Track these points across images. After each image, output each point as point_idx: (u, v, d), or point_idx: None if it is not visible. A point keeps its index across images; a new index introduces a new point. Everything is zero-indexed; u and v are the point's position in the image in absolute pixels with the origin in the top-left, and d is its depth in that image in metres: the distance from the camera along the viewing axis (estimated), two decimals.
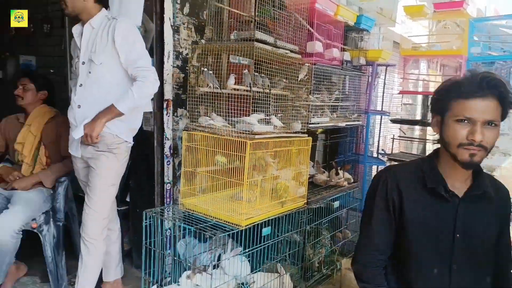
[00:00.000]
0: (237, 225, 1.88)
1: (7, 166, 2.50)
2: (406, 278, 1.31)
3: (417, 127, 6.02)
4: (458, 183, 1.27)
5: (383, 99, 3.59)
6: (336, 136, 3.33)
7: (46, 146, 2.52)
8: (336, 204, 2.76)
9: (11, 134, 2.55)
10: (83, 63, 1.96)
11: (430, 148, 5.83)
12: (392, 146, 3.85)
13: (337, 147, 3.52)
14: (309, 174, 2.49)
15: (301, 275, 2.52)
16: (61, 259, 2.40)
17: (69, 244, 2.60)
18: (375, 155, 3.69)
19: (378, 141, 3.74)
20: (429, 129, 5.55)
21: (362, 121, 3.23)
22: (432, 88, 5.36)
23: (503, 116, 1.20)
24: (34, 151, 2.50)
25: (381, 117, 3.70)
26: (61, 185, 2.42)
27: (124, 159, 2.07)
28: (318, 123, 2.64)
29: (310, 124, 2.47)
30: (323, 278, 2.66)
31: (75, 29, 2.02)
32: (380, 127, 3.74)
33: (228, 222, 1.92)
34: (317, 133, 3.35)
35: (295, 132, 2.29)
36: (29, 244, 2.30)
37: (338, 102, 2.96)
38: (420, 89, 5.57)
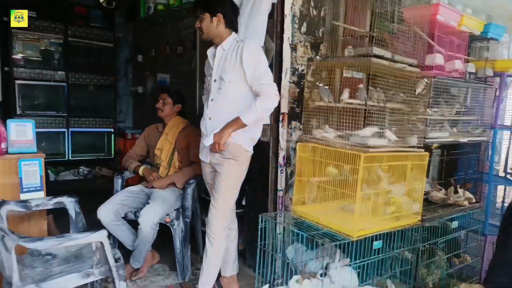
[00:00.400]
0: (348, 235, 1.94)
1: (148, 168, 2.96)
2: None
3: None
4: None
5: None
6: (455, 152, 3.12)
7: (179, 152, 2.91)
8: (454, 224, 2.58)
9: (152, 141, 3.02)
10: (215, 80, 2.25)
11: None
12: None
13: (456, 164, 3.28)
14: (424, 191, 2.40)
15: None
16: (187, 251, 2.74)
17: (193, 241, 2.95)
18: (501, 174, 3.33)
19: (506, 159, 3.37)
20: None
21: (487, 137, 2.97)
22: None
23: None
24: (169, 156, 2.92)
25: (511, 133, 3.33)
26: (190, 186, 2.77)
27: (245, 166, 2.29)
28: (437, 138, 2.53)
29: (427, 138, 2.39)
30: None
31: (209, 51, 2.33)
32: (509, 144, 3.37)
33: (340, 232, 1.98)
34: (432, 148, 3.18)
35: (411, 147, 2.25)
36: (162, 239, 2.69)
37: (459, 116, 2.79)
38: None
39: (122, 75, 5.63)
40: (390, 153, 2.10)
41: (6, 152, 2.16)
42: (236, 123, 2.13)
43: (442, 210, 2.55)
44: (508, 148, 3.36)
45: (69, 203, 2.23)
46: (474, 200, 2.73)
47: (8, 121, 2.17)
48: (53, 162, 5.03)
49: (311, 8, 2.73)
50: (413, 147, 2.25)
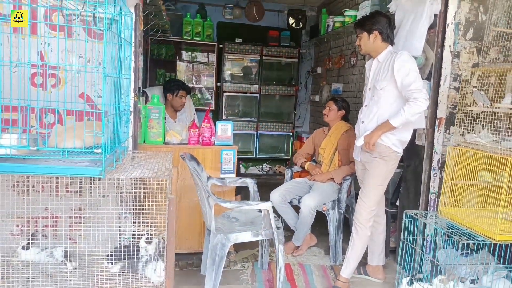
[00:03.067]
0: (489, 237, 1.94)
1: (312, 164, 3.47)
2: None
3: None
4: None
5: None
6: None
7: (340, 152, 3.31)
8: None
9: (318, 142, 3.51)
10: (369, 89, 2.56)
11: None
12: None
13: None
14: None
15: None
16: (339, 238, 3.10)
17: (347, 233, 3.26)
18: None
19: None
20: None
21: None
22: None
23: None
24: (331, 155, 3.35)
25: None
26: (346, 182, 3.13)
27: (392, 166, 2.50)
28: None
29: None
30: None
31: (367, 64, 2.66)
32: None
33: (480, 233, 1.99)
34: None
35: None
36: (320, 227, 3.11)
37: None
38: None
39: (302, 85, 6.38)
40: None
41: (214, 144, 3.01)
42: (385, 126, 2.39)
43: None
44: None
45: (250, 183, 2.93)
46: None
47: (217, 122, 3.03)
48: (244, 158, 6.15)
49: (479, 13, 2.70)
50: None
